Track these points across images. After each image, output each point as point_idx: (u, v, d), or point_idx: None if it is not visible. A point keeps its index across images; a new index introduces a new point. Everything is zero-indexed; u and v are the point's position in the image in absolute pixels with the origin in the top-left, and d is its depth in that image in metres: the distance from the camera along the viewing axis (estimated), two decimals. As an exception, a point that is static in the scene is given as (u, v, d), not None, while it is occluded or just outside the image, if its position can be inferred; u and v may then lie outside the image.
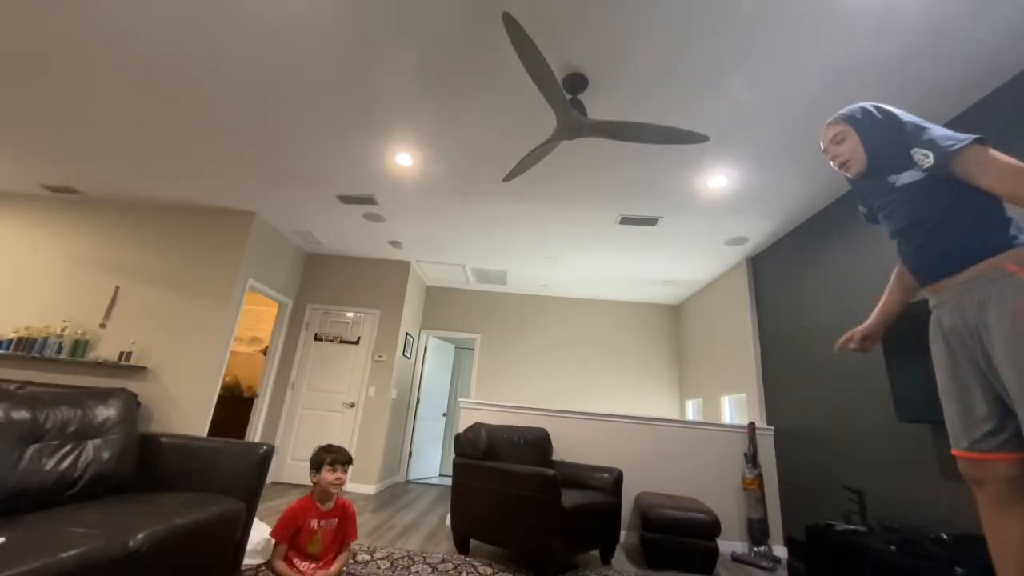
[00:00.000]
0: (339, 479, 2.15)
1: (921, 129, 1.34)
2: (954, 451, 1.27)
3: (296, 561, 2.04)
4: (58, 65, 2.71)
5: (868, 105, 1.46)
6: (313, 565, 2.05)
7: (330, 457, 2.15)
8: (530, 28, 2.18)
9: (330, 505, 2.16)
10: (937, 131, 1.32)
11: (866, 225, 3.12)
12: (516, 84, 2.56)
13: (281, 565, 2.00)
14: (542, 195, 3.79)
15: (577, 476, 3.31)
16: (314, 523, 2.09)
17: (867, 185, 1.51)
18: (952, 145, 1.26)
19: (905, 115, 1.41)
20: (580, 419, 3.96)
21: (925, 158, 1.30)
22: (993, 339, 1.17)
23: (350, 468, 2.24)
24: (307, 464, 5.00)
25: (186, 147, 3.51)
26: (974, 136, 1.26)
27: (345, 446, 2.22)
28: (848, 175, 1.51)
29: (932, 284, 1.36)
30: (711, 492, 3.76)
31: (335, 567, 2.09)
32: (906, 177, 1.36)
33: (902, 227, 1.41)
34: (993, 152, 1.24)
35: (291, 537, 2.05)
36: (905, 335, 2.54)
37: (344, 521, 2.18)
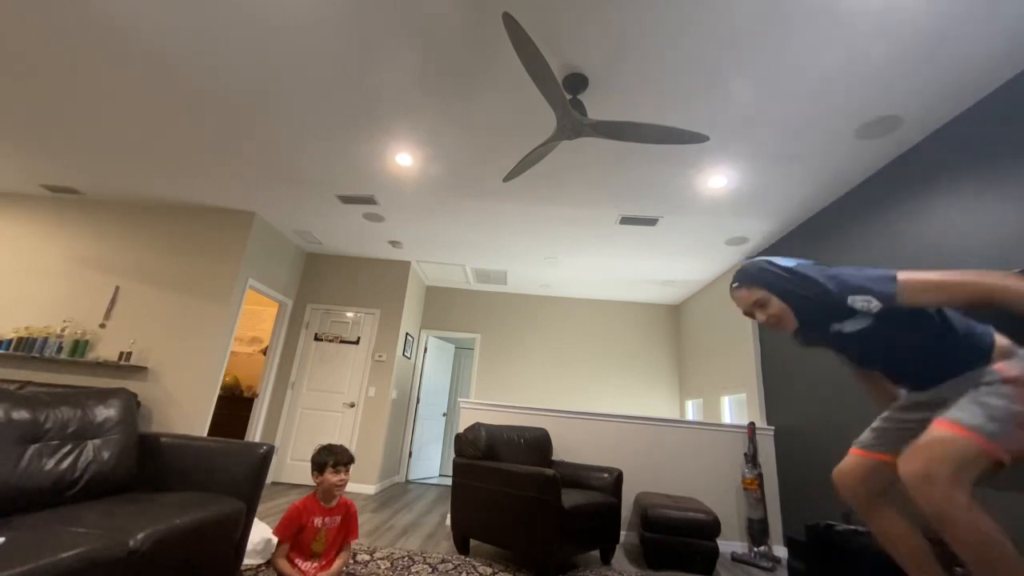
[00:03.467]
0: (342, 480, 2.15)
1: (840, 278, 1.36)
2: (853, 449, 1.45)
3: (298, 561, 2.04)
4: (58, 65, 2.71)
5: (767, 265, 1.44)
6: (315, 564, 2.05)
7: (332, 459, 2.15)
8: (530, 28, 2.18)
9: (333, 503, 2.16)
10: (855, 274, 1.34)
11: (865, 226, 3.12)
12: (516, 84, 2.56)
13: (283, 563, 2.01)
14: (542, 195, 3.79)
15: (577, 476, 3.30)
16: (318, 521, 2.09)
17: (805, 331, 1.50)
18: (889, 286, 1.29)
19: (808, 266, 1.41)
20: (580, 419, 3.96)
21: (868, 304, 1.31)
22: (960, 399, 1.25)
23: (351, 467, 2.25)
24: (307, 464, 5.00)
25: (186, 147, 3.51)
26: (893, 271, 1.31)
27: (345, 446, 2.22)
28: (785, 332, 1.50)
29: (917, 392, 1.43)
30: (711, 492, 3.76)
31: (337, 564, 2.09)
32: (850, 325, 1.36)
33: (864, 359, 1.44)
34: (915, 274, 1.28)
35: (294, 536, 2.05)
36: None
37: (347, 519, 2.18)
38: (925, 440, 1.13)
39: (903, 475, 1.11)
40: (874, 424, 1.49)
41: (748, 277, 1.45)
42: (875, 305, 1.30)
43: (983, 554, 1.04)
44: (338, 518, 2.15)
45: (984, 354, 1.30)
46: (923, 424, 1.32)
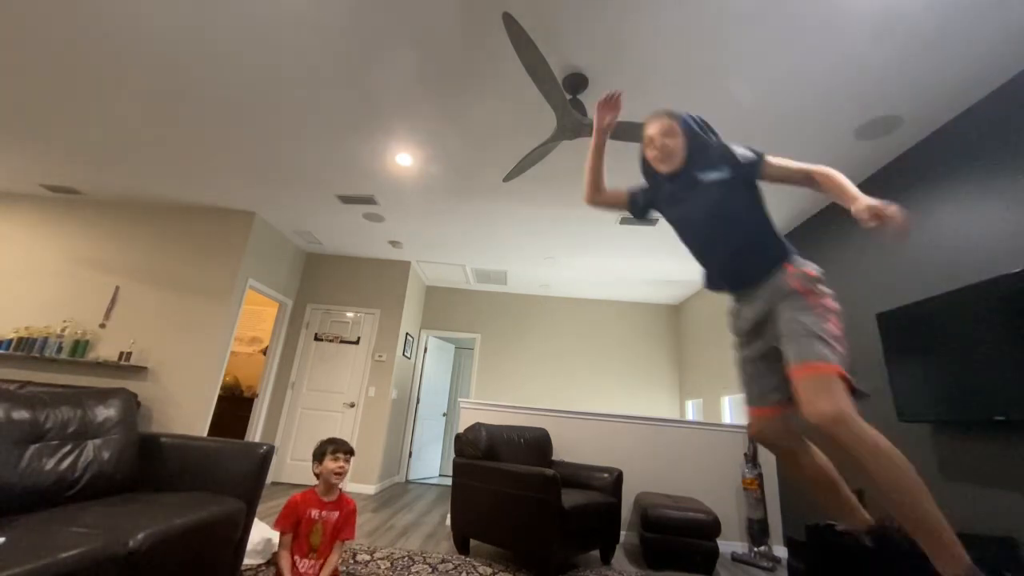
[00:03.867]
0: (341, 468, 2.15)
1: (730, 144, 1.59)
2: (748, 408, 1.60)
3: (296, 558, 2.04)
4: (58, 65, 2.71)
5: (692, 115, 1.66)
6: (312, 563, 2.05)
7: (332, 447, 2.16)
8: (530, 28, 2.17)
9: (333, 496, 2.16)
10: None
11: (865, 226, 3.11)
12: (516, 84, 2.56)
13: (285, 555, 2.00)
14: (542, 195, 3.79)
15: (577, 476, 3.30)
16: (315, 513, 2.09)
17: (668, 178, 1.67)
18: (754, 153, 1.54)
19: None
20: (580, 419, 3.96)
21: (745, 154, 1.53)
22: (780, 323, 1.45)
23: (352, 460, 2.25)
24: (307, 464, 5.00)
25: (186, 147, 3.51)
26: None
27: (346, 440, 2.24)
28: (662, 169, 1.65)
29: (734, 292, 1.64)
30: (711, 492, 3.76)
31: (333, 557, 2.08)
32: (713, 175, 1.56)
33: (698, 218, 1.61)
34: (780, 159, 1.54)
35: (293, 527, 2.05)
36: (906, 335, 2.55)
37: (345, 516, 2.17)
38: (817, 384, 1.26)
39: (818, 422, 1.20)
40: (743, 380, 1.65)
41: (669, 111, 1.66)
42: (750, 156, 1.52)
43: (898, 472, 1.18)
44: (336, 513, 2.14)
45: (786, 252, 1.50)
46: (763, 358, 1.52)
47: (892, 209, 1.27)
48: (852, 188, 1.39)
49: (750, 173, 1.53)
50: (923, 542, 1.18)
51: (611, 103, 1.71)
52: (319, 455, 2.16)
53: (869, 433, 1.19)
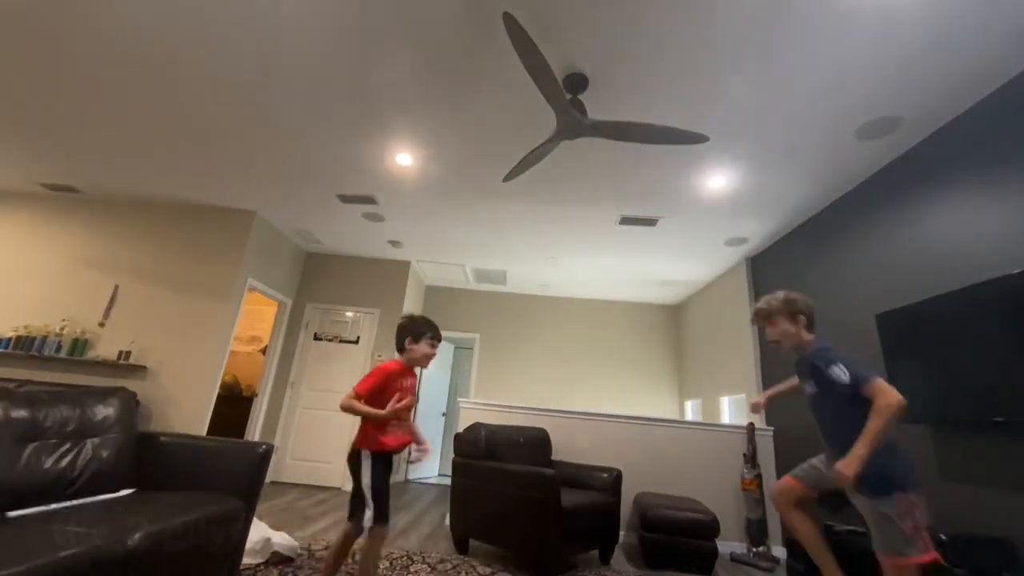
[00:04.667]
0: (432, 355, 2.12)
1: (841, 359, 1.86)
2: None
3: (393, 426, 1.97)
4: (57, 64, 2.71)
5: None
6: (402, 431, 2.01)
7: (431, 332, 2.09)
8: (530, 28, 2.17)
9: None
10: (851, 361, 1.82)
11: (866, 226, 3.12)
12: (516, 84, 2.56)
13: (363, 406, 1.89)
14: (542, 195, 3.79)
15: (577, 476, 3.30)
16: (407, 382, 2.07)
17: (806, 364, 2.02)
18: (867, 375, 1.76)
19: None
20: (580, 419, 3.96)
21: (843, 374, 1.78)
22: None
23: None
24: (306, 463, 4.96)
25: (186, 146, 3.51)
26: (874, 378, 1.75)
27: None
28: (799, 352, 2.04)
29: (833, 452, 1.93)
30: (710, 492, 3.76)
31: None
32: (809, 388, 2.00)
33: (817, 416, 2.01)
34: (886, 394, 1.72)
35: (375, 395, 1.94)
36: (905, 335, 2.55)
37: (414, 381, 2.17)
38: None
39: None
40: (804, 465, 2.08)
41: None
42: (845, 379, 1.77)
43: None
44: (413, 380, 2.13)
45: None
46: (827, 471, 1.94)
47: None
48: None
49: (850, 388, 1.77)
50: None
51: None
52: (416, 335, 2.07)
53: None
